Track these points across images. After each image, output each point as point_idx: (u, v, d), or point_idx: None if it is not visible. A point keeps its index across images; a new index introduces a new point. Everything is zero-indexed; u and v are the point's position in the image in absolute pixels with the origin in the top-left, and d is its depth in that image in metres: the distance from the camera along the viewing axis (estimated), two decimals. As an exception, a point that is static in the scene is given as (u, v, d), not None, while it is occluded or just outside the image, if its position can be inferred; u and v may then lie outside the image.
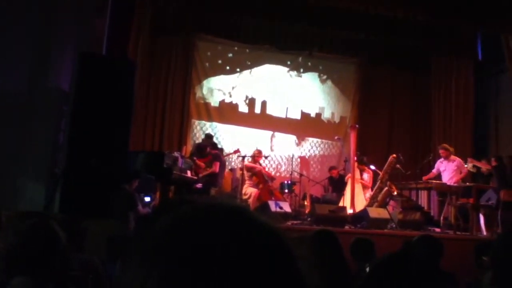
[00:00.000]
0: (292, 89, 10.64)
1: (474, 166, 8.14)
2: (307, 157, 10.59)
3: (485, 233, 7.17)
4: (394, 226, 7.23)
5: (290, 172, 9.35)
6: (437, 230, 7.19)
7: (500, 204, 7.23)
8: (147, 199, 6.80)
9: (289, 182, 8.78)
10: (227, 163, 9.72)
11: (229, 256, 0.49)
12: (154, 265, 0.50)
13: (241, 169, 8.48)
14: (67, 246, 1.80)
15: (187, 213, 0.55)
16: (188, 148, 9.45)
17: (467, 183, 7.61)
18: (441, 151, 7.90)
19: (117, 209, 5.09)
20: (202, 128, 10.11)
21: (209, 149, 8.21)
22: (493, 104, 9.79)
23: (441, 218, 7.34)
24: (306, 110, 10.75)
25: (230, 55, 10.47)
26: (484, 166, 8.11)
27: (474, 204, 7.18)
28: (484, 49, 9.53)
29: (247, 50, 10.49)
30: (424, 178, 7.84)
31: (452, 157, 7.79)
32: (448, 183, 7.58)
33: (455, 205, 7.34)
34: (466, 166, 7.93)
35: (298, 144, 10.59)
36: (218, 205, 0.56)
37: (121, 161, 5.40)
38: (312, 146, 10.69)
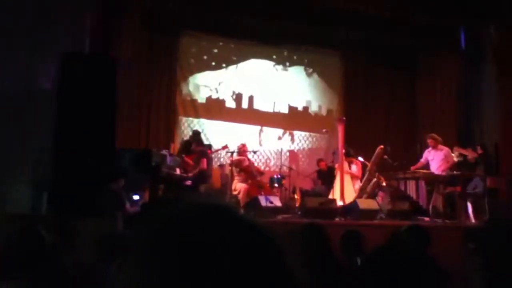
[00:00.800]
0: (278, 83, 10.64)
1: (460, 154, 8.22)
2: (295, 150, 10.62)
3: (473, 220, 7.26)
4: (383, 216, 7.29)
5: (279, 166, 9.37)
6: (426, 219, 7.26)
7: (487, 191, 7.34)
8: (136, 197, 6.76)
9: (279, 176, 8.79)
10: (215, 160, 9.71)
11: (218, 255, 0.50)
12: (147, 266, 0.51)
13: (230, 165, 8.47)
14: (55, 248, 1.79)
15: (176, 213, 0.56)
16: (176, 145, 9.41)
17: (454, 172, 7.69)
18: (429, 141, 7.97)
19: (104, 208, 5.06)
20: (189, 125, 10.06)
21: (194, 145, 8.19)
22: (477, 93, 9.89)
23: (430, 207, 7.42)
24: (293, 104, 10.76)
25: (215, 50, 10.43)
26: (470, 154, 8.21)
27: (461, 192, 7.28)
28: (467, 40, 9.62)
29: (232, 45, 10.45)
30: (412, 167, 7.91)
31: (440, 146, 7.86)
32: (436, 172, 7.66)
33: (442, 194, 7.43)
34: (452, 155, 8.01)
35: (285, 138, 10.60)
36: (206, 205, 0.57)
37: (107, 160, 5.37)
38: (300, 140, 10.72)
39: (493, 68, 8.19)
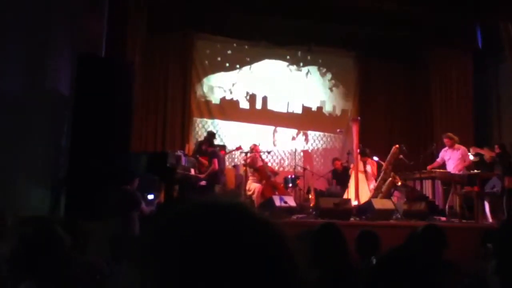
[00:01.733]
0: (292, 84, 10.63)
1: (477, 154, 8.10)
2: (310, 151, 10.59)
3: (490, 220, 7.15)
4: (399, 216, 7.22)
5: (294, 167, 9.35)
6: (443, 219, 7.17)
7: (505, 191, 7.22)
8: (151, 197, 6.79)
9: (293, 176, 8.78)
10: (230, 160, 9.73)
11: (226, 253, 0.49)
12: (152, 265, 0.50)
13: (244, 165, 8.49)
14: (71, 249, 1.81)
15: (183, 211, 0.55)
16: (191, 146, 9.47)
17: (471, 171, 7.58)
18: (445, 140, 7.87)
19: (118, 209, 5.10)
20: (204, 126, 10.12)
21: (205, 146, 8.22)
22: (495, 92, 9.75)
23: (446, 207, 7.33)
24: (307, 104, 10.73)
25: (229, 52, 10.46)
26: (487, 154, 8.09)
27: (479, 192, 7.17)
28: (484, 39, 9.48)
29: (246, 47, 10.47)
30: (429, 167, 7.82)
31: (457, 145, 7.76)
32: (452, 172, 7.56)
33: (459, 194, 7.33)
34: (469, 154, 7.90)
35: (299, 139, 10.58)
36: (215, 202, 0.56)
37: (122, 161, 5.42)
38: (314, 140, 10.69)
39: (510, 67, 8.05)
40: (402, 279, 1.19)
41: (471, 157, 7.93)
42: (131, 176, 5.82)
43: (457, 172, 7.54)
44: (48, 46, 5.36)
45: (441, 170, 7.68)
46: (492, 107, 9.86)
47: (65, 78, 5.63)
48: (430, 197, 7.57)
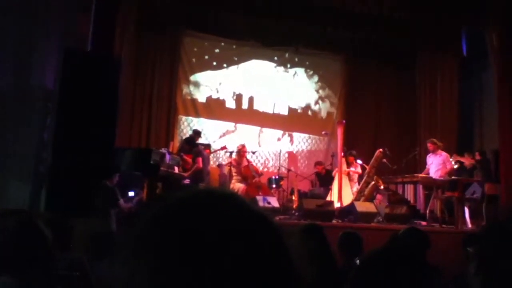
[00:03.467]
0: (279, 85, 10.66)
1: (457, 161, 8.24)
2: (294, 152, 10.63)
3: (470, 225, 7.27)
4: (381, 219, 7.30)
5: (278, 167, 9.37)
6: (423, 223, 7.26)
7: (485, 197, 7.36)
8: (131, 193, 6.74)
9: (277, 177, 8.80)
10: (214, 159, 9.72)
11: (220, 242, 0.48)
12: (142, 259, 0.49)
13: (229, 165, 8.48)
14: (53, 244, 1.77)
15: (172, 202, 0.53)
16: (176, 144, 9.42)
17: (453, 177, 7.70)
18: (429, 145, 7.99)
19: (98, 205, 5.05)
20: (189, 124, 10.08)
21: (189, 145, 8.21)
22: (478, 99, 9.91)
23: (427, 211, 7.42)
24: (293, 106, 10.77)
25: (217, 50, 10.44)
26: (467, 161, 8.23)
27: (460, 197, 7.28)
28: (469, 46, 9.63)
29: (234, 46, 10.47)
30: (419, 174, 7.89)
31: (439, 151, 7.88)
32: (434, 177, 7.67)
33: (440, 199, 7.44)
34: (451, 160, 8.02)
35: (284, 140, 10.62)
36: (206, 192, 0.55)
37: (105, 157, 5.36)
38: (299, 141, 10.73)
39: (494, 74, 8.20)
40: (386, 280, 1.20)
41: (453, 163, 8.05)
42: (111, 172, 5.76)
43: (438, 177, 7.65)
44: (34, 40, 5.28)
45: (423, 175, 7.78)
46: (475, 113, 10.02)
47: (50, 72, 5.55)
48: (412, 201, 7.67)
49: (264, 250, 0.50)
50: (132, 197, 6.65)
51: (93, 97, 4.96)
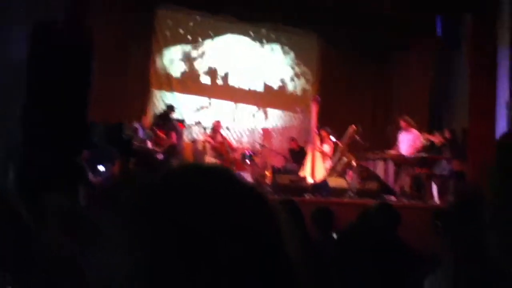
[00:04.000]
0: (254, 61, 10.58)
1: (427, 139, 8.43)
2: (269, 128, 10.66)
3: (437, 201, 7.51)
4: (352, 195, 7.45)
5: (252, 144, 9.40)
6: (393, 198, 7.46)
7: (453, 173, 7.60)
8: (101, 168, 6.64)
9: (251, 153, 8.84)
10: (188, 135, 9.66)
11: (219, 217, 0.47)
12: (137, 246, 0.47)
13: (203, 141, 8.46)
14: (29, 223, 1.72)
15: (165, 182, 0.52)
16: (148, 118, 9.29)
17: (422, 154, 7.89)
18: (401, 122, 8.14)
19: (66, 180, 4.98)
20: (163, 98, 9.94)
21: (163, 120, 8.14)
22: (450, 78, 10.10)
23: (397, 187, 7.62)
24: (268, 82, 10.74)
25: (192, 24, 10.25)
26: (437, 139, 8.43)
27: (428, 173, 7.49)
28: (443, 27, 9.74)
29: (209, 20, 10.29)
30: (390, 151, 8.04)
31: (411, 129, 8.05)
32: (404, 154, 7.85)
33: (410, 175, 7.63)
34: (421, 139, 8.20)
35: (259, 116, 10.62)
36: (201, 165, 0.55)
37: (76, 132, 5.26)
38: (274, 118, 10.76)
39: (466, 56, 8.37)
40: (365, 252, 1.25)
41: (423, 140, 8.24)
42: (82, 147, 5.67)
43: (408, 155, 7.83)
44: (3, 12, 5.06)
45: (394, 152, 7.95)
46: (446, 93, 10.23)
47: (18, 44, 5.35)
48: (382, 177, 7.85)
49: (261, 227, 0.50)
50: (102, 171, 6.56)
51: (65, 69, 4.82)
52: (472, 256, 1.37)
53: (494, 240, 0.68)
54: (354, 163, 7.99)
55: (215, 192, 0.50)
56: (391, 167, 7.82)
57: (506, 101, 7.25)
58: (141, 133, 7.51)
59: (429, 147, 8.38)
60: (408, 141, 7.95)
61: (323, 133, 8.46)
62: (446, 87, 10.15)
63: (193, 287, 0.45)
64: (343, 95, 10.81)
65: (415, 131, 8.09)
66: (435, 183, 7.66)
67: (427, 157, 7.73)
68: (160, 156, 7.70)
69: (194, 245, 0.46)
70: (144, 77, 9.60)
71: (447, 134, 8.34)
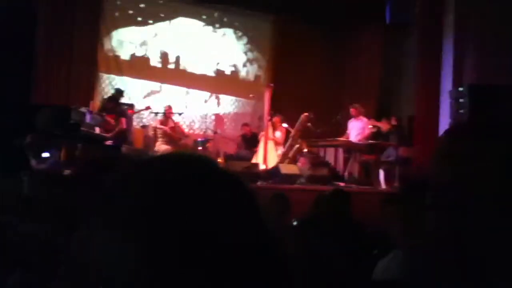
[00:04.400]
0: (207, 45, 10.44)
1: (374, 126, 8.70)
2: (221, 114, 10.59)
3: (384, 186, 7.79)
4: (303, 181, 7.57)
5: (204, 130, 9.31)
6: (342, 184, 7.65)
7: (399, 160, 7.90)
8: (46, 154, 6.33)
9: (203, 139, 8.76)
10: (138, 120, 9.42)
11: (207, 209, 0.46)
12: (138, 232, 0.45)
13: (154, 126, 8.27)
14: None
15: (154, 164, 0.50)
16: (96, 103, 8.98)
17: (370, 141, 8.13)
18: (352, 110, 8.33)
19: (8, 167, 4.74)
20: (111, 82, 9.62)
21: (112, 104, 7.90)
22: (398, 66, 10.43)
23: (346, 173, 7.83)
24: (221, 67, 10.64)
25: (142, 5, 9.93)
26: (384, 126, 8.71)
27: (376, 160, 7.75)
28: (392, 14, 9.99)
29: (160, 1, 10.03)
30: (342, 137, 8.21)
31: (360, 117, 8.26)
32: (353, 141, 8.06)
33: (359, 161, 7.86)
34: (370, 127, 8.44)
35: (211, 102, 10.53)
36: (185, 155, 0.53)
37: (19, 114, 5.00)
38: (226, 104, 10.69)
39: (414, 42, 8.63)
40: (324, 236, 1.26)
41: (371, 128, 8.49)
42: (24, 132, 5.40)
43: (357, 141, 8.05)
44: None
45: (343, 139, 8.15)
46: (394, 80, 10.56)
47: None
48: (332, 163, 8.03)
49: (247, 216, 0.49)
50: (47, 157, 6.25)
51: (8, 51, 4.54)
52: (420, 240, 1.41)
53: (434, 223, 0.72)
54: (305, 150, 8.11)
55: (200, 185, 0.48)
56: (341, 153, 8.02)
57: (449, 89, 7.58)
58: (88, 118, 7.23)
59: (377, 134, 8.65)
60: (357, 129, 8.17)
61: (276, 119, 8.52)
62: (394, 73, 10.48)
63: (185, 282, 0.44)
64: (296, 81, 10.89)
65: (364, 119, 8.31)
66: (382, 169, 7.93)
67: (374, 144, 7.98)
68: (109, 142, 7.46)
69: (183, 239, 0.45)
70: (91, 60, 9.22)
71: (393, 121, 8.63)
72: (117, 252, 0.45)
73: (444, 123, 7.65)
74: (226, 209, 0.47)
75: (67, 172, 6.22)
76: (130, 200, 0.47)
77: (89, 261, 0.45)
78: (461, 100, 7.06)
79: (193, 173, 0.49)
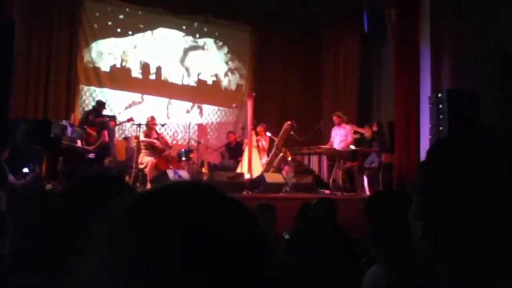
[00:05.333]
0: (188, 55, 10.42)
1: (356, 132, 8.78)
2: (204, 124, 10.56)
3: (368, 192, 7.84)
4: (288, 189, 7.58)
5: (187, 140, 9.26)
6: (327, 191, 7.68)
7: (382, 166, 7.97)
8: (25, 170, 6.22)
9: (187, 149, 8.71)
10: (120, 132, 9.33)
11: (210, 239, 0.45)
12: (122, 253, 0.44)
13: (136, 138, 8.19)
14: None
15: (154, 192, 0.50)
16: (77, 116, 8.86)
17: (353, 148, 8.20)
18: (334, 118, 8.39)
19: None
20: (92, 94, 9.51)
21: (92, 117, 7.80)
22: (377, 73, 10.57)
23: (330, 180, 7.86)
24: (202, 77, 10.63)
25: (121, 16, 9.88)
26: (367, 132, 8.80)
27: (359, 166, 7.80)
28: (369, 22, 10.17)
29: (140, 12, 9.98)
30: (325, 145, 8.25)
31: (343, 124, 8.32)
32: (337, 148, 8.11)
33: (342, 168, 7.90)
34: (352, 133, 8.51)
35: (194, 112, 10.49)
36: (185, 183, 0.52)
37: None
38: (209, 114, 10.67)
39: (391, 50, 8.77)
40: (311, 245, 1.26)
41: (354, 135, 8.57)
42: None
43: (341, 149, 8.10)
44: None
45: (327, 147, 8.19)
46: (373, 87, 10.70)
47: None
48: (317, 171, 8.06)
49: (249, 243, 0.48)
50: (26, 173, 6.13)
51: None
52: (401, 248, 1.40)
53: (417, 231, 0.73)
54: (289, 158, 8.13)
55: (206, 214, 0.47)
56: (325, 161, 8.06)
57: (428, 95, 7.70)
58: (70, 131, 7.12)
59: (360, 140, 8.73)
60: (341, 136, 8.23)
61: (259, 128, 8.53)
62: (373, 81, 10.63)
63: None
64: (277, 90, 10.95)
65: (347, 126, 8.38)
66: (366, 175, 7.99)
67: (357, 151, 8.04)
68: (91, 155, 7.36)
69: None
70: (71, 72, 9.11)
71: (374, 128, 8.72)
72: None
73: (425, 128, 7.76)
74: (236, 244, 0.47)
75: (48, 187, 6.13)
76: (138, 239, 0.45)
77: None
78: (440, 105, 7.18)
79: (196, 207, 0.48)
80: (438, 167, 0.71)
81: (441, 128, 7.05)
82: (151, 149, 7.80)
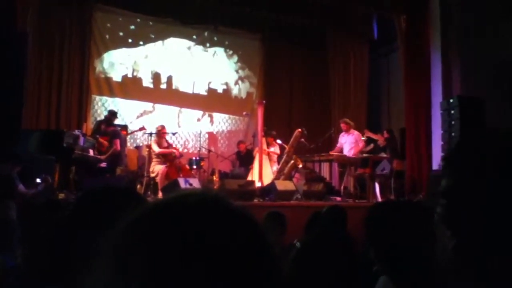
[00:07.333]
0: (198, 64, 10.50)
1: (369, 138, 8.73)
2: (214, 132, 10.60)
3: (380, 199, 7.78)
4: (299, 197, 7.55)
5: (198, 148, 9.30)
6: (338, 199, 7.64)
7: (393, 173, 7.92)
8: (38, 180, 6.27)
9: (197, 158, 8.73)
10: (132, 141, 9.40)
11: (217, 250, 0.46)
12: (137, 272, 0.45)
13: (148, 146, 8.24)
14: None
15: (164, 205, 0.50)
16: (89, 125, 8.97)
17: (364, 155, 8.16)
18: (342, 125, 8.37)
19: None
20: (103, 104, 9.62)
21: (105, 126, 7.86)
22: (386, 81, 10.55)
23: (341, 187, 7.82)
24: (213, 86, 10.69)
25: (132, 27, 10.00)
26: (379, 139, 8.75)
27: (370, 173, 7.75)
28: (379, 30, 10.17)
29: (150, 23, 10.10)
30: (331, 152, 8.24)
31: (352, 130, 8.30)
32: (347, 155, 8.07)
33: (353, 175, 7.86)
34: (363, 138, 8.48)
35: (204, 120, 10.54)
36: (192, 194, 0.53)
37: (11, 139, 4.97)
38: (219, 122, 10.71)
39: (400, 57, 8.75)
40: (322, 254, 1.26)
41: (364, 139, 8.53)
42: (7, 157, 5.34)
43: (351, 155, 8.07)
44: None
45: (338, 153, 8.16)
46: (383, 94, 10.67)
47: None
48: (327, 178, 8.02)
49: (253, 254, 0.49)
50: (38, 183, 6.19)
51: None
52: (403, 263, 1.38)
53: (444, 236, 0.71)
54: (300, 165, 8.10)
55: (212, 225, 0.48)
56: (336, 168, 8.02)
57: (440, 101, 7.66)
58: (82, 141, 7.19)
59: (374, 147, 8.68)
60: (350, 143, 8.19)
61: (269, 137, 8.53)
62: (382, 87, 10.60)
63: None
64: (286, 97, 10.96)
65: (355, 132, 8.35)
66: (378, 182, 7.94)
67: (368, 157, 8.00)
68: (103, 165, 7.43)
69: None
70: (83, 82, 9.24)
71: (385, 134, 8.68)
72: None
73: (436, 134, 7.70)
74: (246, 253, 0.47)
75: (61, 196, 6.19)
76: (143, 256, 0.46)
77: None
78: (452, 111, 7.13)
79: (204, 219, 0.49)
80: (468, 168, 0.67)
81: (453, 133, 7.00)
82: (161, 157, 7.84)
